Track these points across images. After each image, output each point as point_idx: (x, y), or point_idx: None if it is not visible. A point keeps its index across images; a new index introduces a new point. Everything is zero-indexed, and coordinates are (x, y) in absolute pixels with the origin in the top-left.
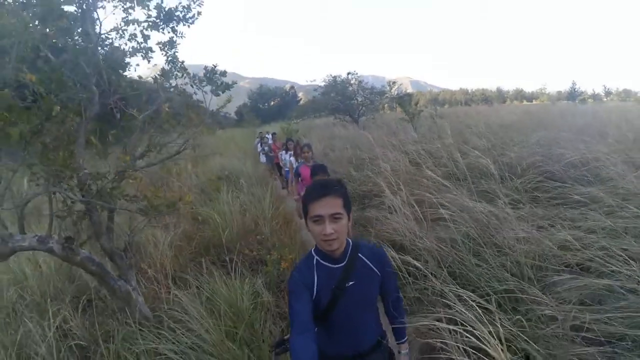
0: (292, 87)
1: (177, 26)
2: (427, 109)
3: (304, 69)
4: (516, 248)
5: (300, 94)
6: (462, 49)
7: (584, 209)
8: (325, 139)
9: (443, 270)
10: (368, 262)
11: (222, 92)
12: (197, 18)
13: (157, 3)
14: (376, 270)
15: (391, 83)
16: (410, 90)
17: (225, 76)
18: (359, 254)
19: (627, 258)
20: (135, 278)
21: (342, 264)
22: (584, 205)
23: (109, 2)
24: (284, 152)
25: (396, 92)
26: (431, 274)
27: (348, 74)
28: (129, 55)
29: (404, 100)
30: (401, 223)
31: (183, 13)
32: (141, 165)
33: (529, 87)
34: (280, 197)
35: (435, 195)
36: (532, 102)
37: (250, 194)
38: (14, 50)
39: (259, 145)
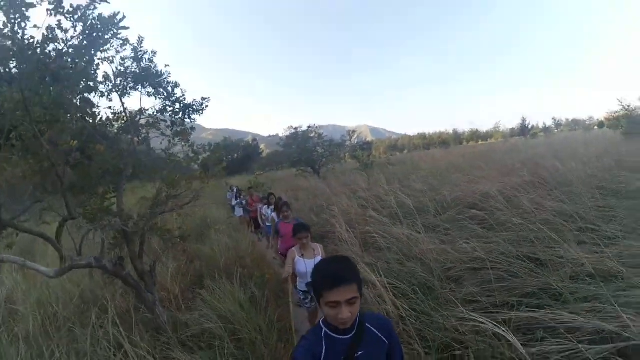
0: (254, 140)
1: (192, 115)
2: (384, 157)
3: (266, 118)
4: (429, 256)
5: (262, 146)
6: (420, 97)
7: (496, 231)
8: (289, 191)
9: (377, 273)
10: (376, 331)
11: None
12: (205, 109)
13: (178, 97)
14: (384, 339)
15: (351, 132)
16: (370, 138)
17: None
18: (367, 324)
19: (520, 257)
20: (157, 292)
21: (351, 334)
22: (497, 226)
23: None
24: (265, 206)
25: (356, 141)
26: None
27: (308, 127)
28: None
29: (362, 151)
30: (348, 249)
31: (197, 107)
32: (162, 211)
33: (484, 127)
34: (254, 242)
35: (374, 227)
36: (487, 140)
37: (231, 238)
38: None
39: (234, 198)
